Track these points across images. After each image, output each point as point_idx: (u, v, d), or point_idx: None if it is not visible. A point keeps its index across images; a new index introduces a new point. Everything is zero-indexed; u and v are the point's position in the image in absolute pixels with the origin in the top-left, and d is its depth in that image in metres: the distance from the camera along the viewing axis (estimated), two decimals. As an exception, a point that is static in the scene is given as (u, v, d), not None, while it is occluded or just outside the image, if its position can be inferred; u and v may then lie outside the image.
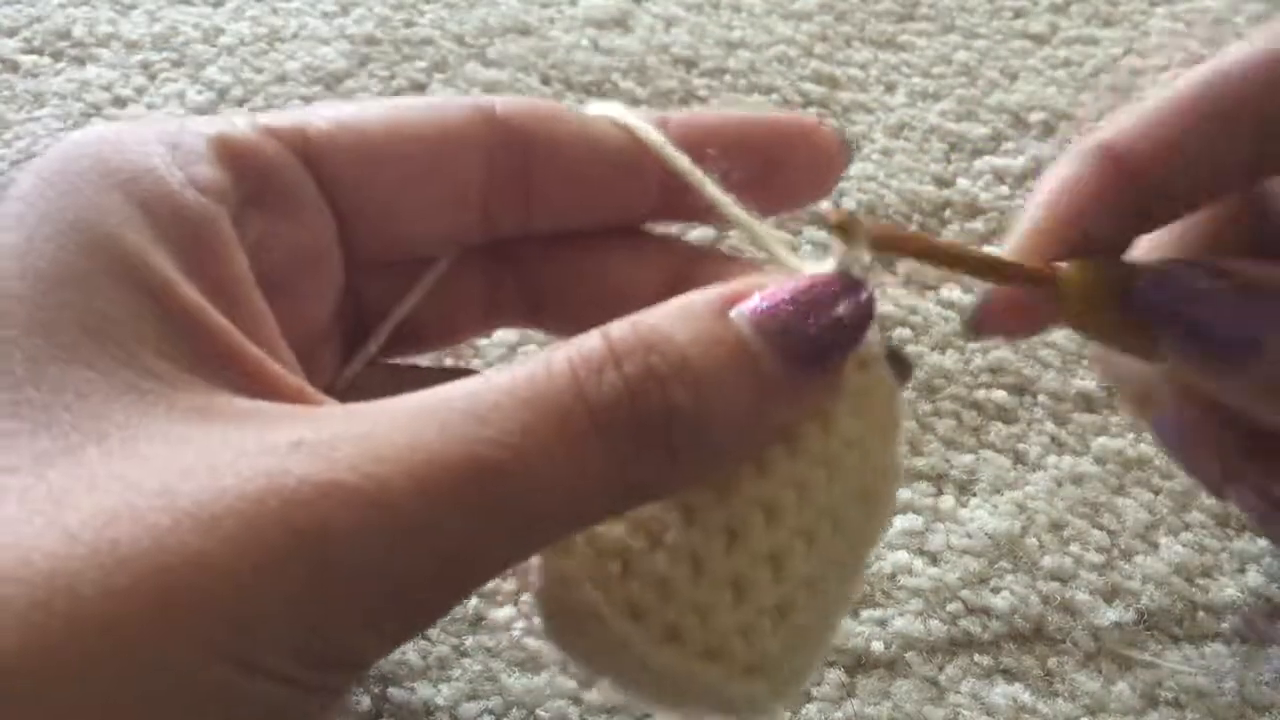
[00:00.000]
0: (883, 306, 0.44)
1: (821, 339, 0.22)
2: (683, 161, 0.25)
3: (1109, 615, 0.36)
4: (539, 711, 0.34)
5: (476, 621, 0.36)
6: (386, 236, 0.27)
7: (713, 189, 0.25)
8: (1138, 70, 0.54)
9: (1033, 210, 0.27)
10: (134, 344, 0.21)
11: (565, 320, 0.29)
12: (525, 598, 0.36)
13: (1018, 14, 0.56)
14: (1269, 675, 0.35)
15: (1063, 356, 0.42)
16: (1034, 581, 0.36)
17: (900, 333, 0.43)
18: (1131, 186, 0.26)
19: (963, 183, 0.48)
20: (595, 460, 0.20)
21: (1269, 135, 0.26)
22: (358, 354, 0.28)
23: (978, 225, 0.47)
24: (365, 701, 0.34)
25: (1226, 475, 0.28)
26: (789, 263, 0.24)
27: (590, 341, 0.21)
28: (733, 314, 0.21)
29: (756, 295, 0.22)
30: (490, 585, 0.37)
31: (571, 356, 0.20)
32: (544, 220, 0.28)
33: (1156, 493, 0.39)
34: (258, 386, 0.21)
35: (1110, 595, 0.36)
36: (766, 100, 0.51)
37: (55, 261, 0.21)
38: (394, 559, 0.19)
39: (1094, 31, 0.55)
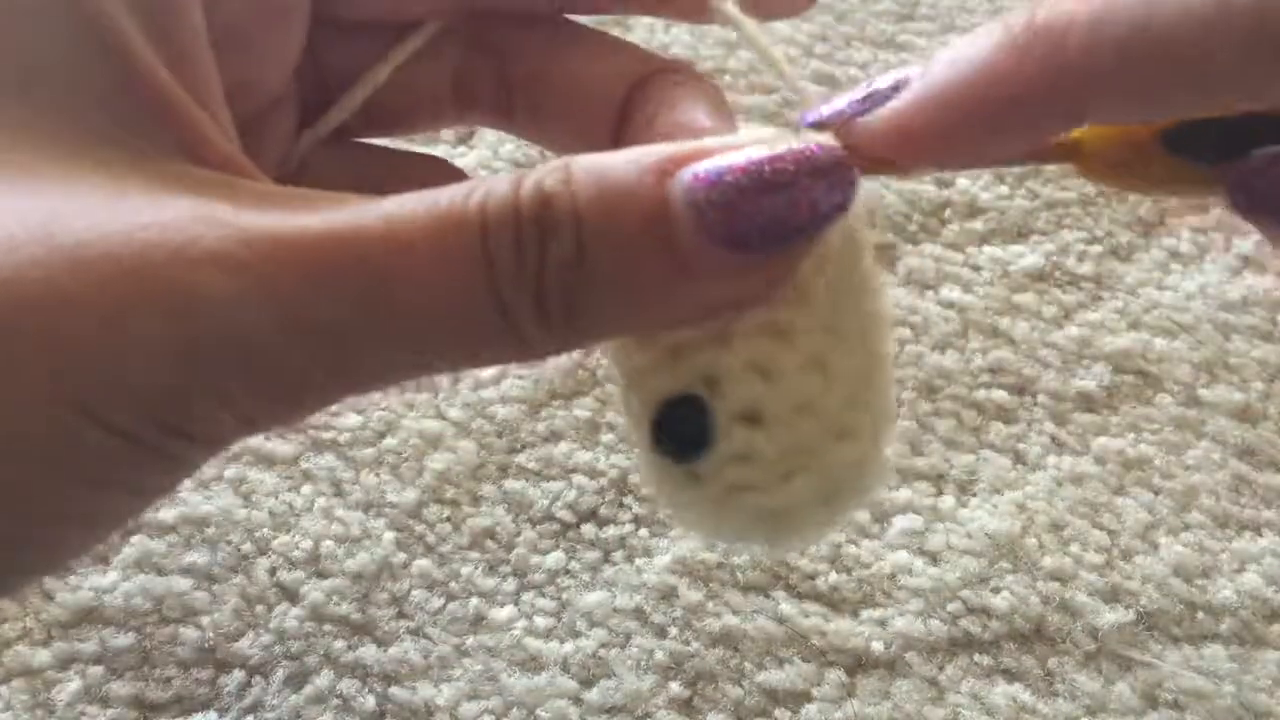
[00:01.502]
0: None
1: (766, 225, 0.19)
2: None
3: (1109, 616, 0.36)
4: (539, 711, 0.34)
5: (477, 621, 0.36)
6: None
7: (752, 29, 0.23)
8: None
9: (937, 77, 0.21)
10: (71, 89, 0.20)
11: (531, 119, 0.27)
12: (526, 597, 0.36)
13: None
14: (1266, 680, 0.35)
15: (1063, 356, 0.42)
16: (1034, 582, 0.36)
17: (900, 333, 0.43)
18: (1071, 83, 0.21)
19: (963, 183, 0.48)
20: (484, 312, 0.19)
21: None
22: (315, 125, 0.27)
23: (977, 225, 0.47)
24: (368, 701, 0.34)
25: None
26: (786, 73, 0.23)
27: (504, 182, 0.19)
28: (675, 175, 0.19)
29: (705, 160, 0.19)
30: (490, 585, 0.37)
31: (487, 194, 0.19)
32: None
33: (1156, 493, 0.39)
34: (189, 148, 0.21)
35: (1110, 596, 0.36)
36: (766, 101, 0.51)
37: None
38: (260, 333, 0.18)
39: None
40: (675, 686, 0.34)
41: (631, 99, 0.25)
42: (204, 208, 0.19)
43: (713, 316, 0.20)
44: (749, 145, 0.19)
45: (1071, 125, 0.21)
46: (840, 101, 0.21)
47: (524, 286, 0.19)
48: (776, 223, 0.19)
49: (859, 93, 0.21)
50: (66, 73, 0.20)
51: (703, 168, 0.19)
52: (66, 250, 0.18)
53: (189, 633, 0.35)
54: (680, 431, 0.22)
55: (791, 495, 0.22)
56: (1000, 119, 0.20)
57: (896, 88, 0.20)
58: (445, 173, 0.28)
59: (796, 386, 0.22)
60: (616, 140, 0.25)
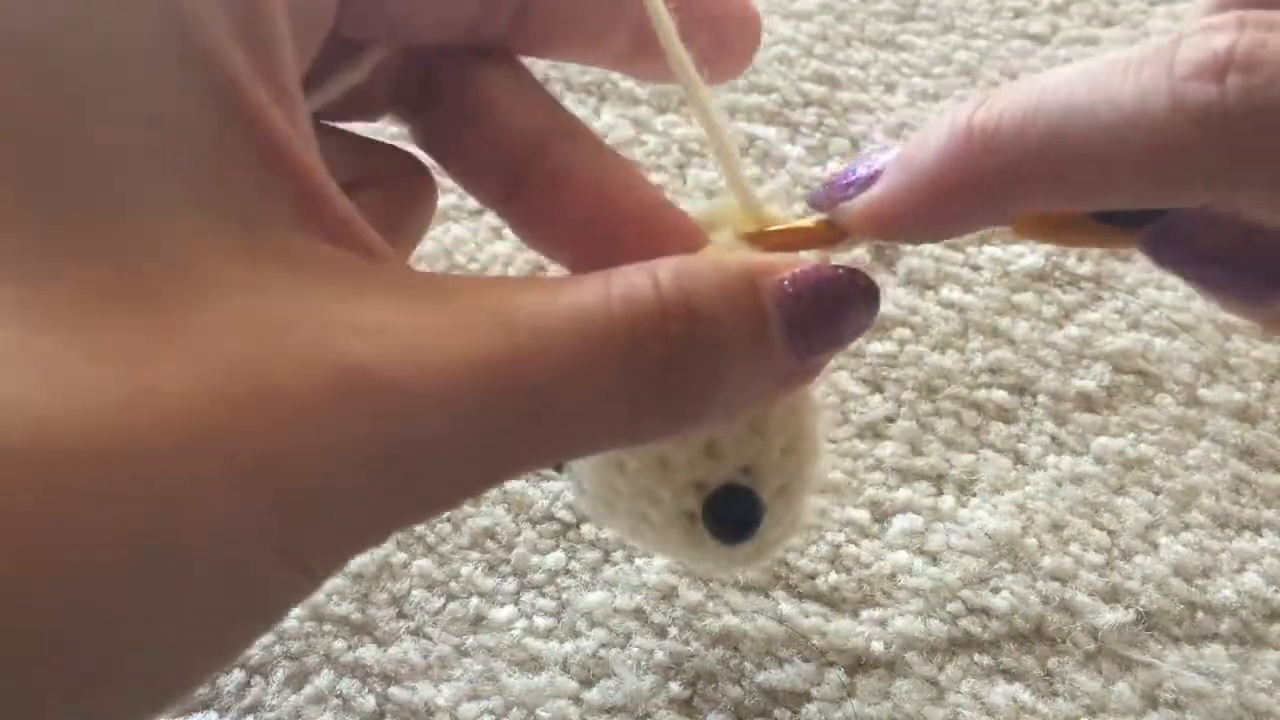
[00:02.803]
0: (882, 306, 0.44)
1: (828, 334, 0.23)
2: (673, 40, 0.24)
3: (1109, 616, 0.36)
4: (539, 711, 0.34)
5: (477, 621, 0.36)
6: (385, 12, 0.25)
7: (695, 78, 0.25)
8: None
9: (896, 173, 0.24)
10: (194, 153, 0.18)
11: (433, 128, 0.27)
12: (526, 597, 0.36)
13: (1018, 14, 0.56)
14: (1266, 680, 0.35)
15: (1063, 356, 0.42)
16: (1034, 582, 0.36)
17: (900, 332, 0.43)
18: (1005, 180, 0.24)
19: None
20: (618, 414, 0.21)
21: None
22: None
23: (978, 225, 0.47)
24: (368, 701, 0.34)
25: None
26: (744, 184, 0.26)
27: (642, 289, 0.21)
28: (762, 286, 0.22)
29: (786, 273, 0.22)
30: (490, 585, 0.37)
31: (628, 303, 0.21)
32: (527, 43, 0.26)
33: (1156, 493, 0.39)
34: (306, 213, 0.19)
35: (1110, 596, 0.36)
36: (766, 100, 0.51)
37: (96, 25, 0.17)
38: (448, 462, 0.19)
39: (1094, 31, 0.55)
40: (675, 686, 0.34)
41: (530, 153, 0.26)
42: (382, 342, 0.18)
43: (764, 406, 0.25)
44: (813, 261, 0.23)
45: (1014, 212, 0.23)
46: (831, 179, 0.25)
47: (659, 392, 0.21)
48: (835, 333, 0.23)
49: (844, 176, 0.24)
50: (189, 131, 0.18)
51: (787, 283, 0.22)
52: (263, 395, 0.17)
53: (189, 633, 0.35)
54: (735, 515, 0.26)
55: (788, 538, 0.29)
56: (953, 209, 0.23)
57: (872, 177, 0.24)
58: (408, 166, 0.28)
59: (806, 462, 0.27)
60: (511, 191, 0.26)
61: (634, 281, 0.21)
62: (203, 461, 0.16)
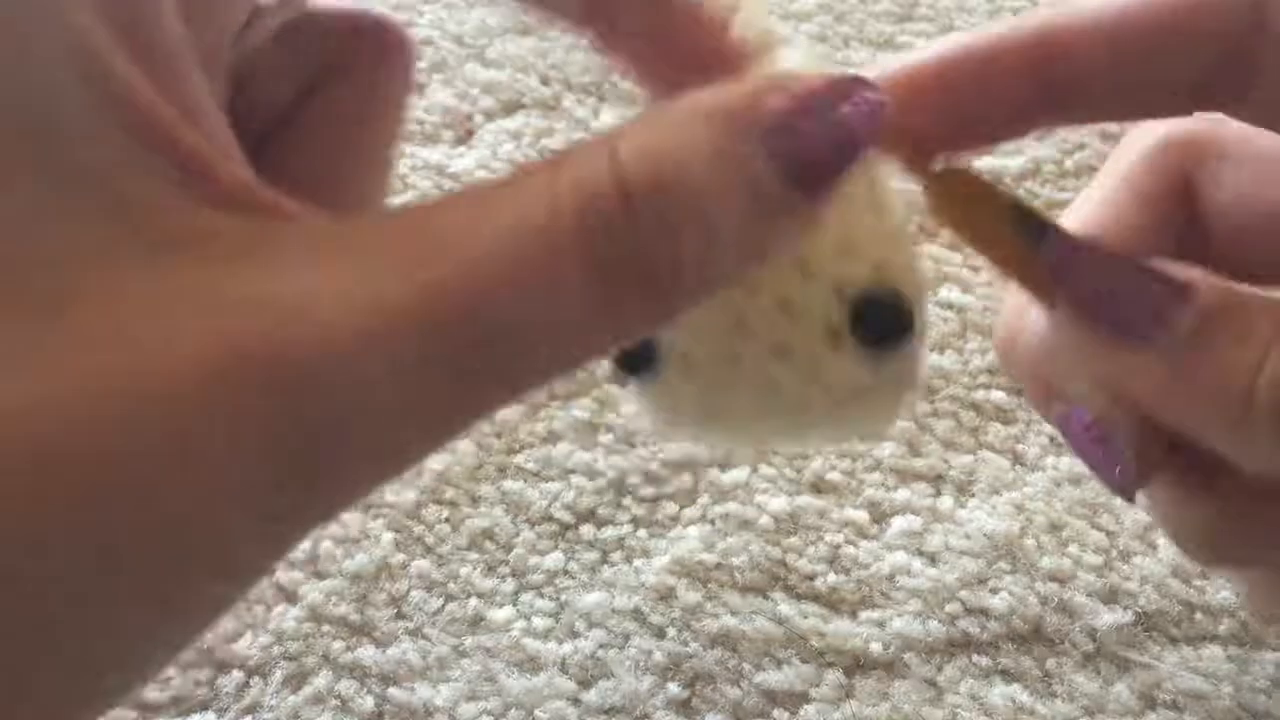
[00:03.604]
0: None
1: (839, 158, 0.20)
2: None
3: (1107, 616, 0.36)
4: (538, 712, 0.34)
5: (476, 622, 0.36)
6: None
7: None
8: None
9: (926, 54, 0.24)
10: (68, 138, 0.17)
11: None
12: (524, 598, 0.36)
13: (1016, 14, 0.56)
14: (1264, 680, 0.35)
15: (1061, 357, 0.42)
16: (1032, 582, 0.36)
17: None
18: (1059, 69, 0.23)
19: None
20: (589, 308, 0.18)
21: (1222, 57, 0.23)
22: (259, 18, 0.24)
23: (977, 226, 0.47)
24: (366, 701, 0.34)
25: (1142, 473, 0.25)
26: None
27: (598, 173, 0.18)
28: (746, 129, 0.19)
29: (772, 104, 0.19)
30: (488, 586, 0.37)
31: (579, 197, 0.18)
32: None
33: (1155, 494, 0.39)
34: (203, 186, 0.18)
35: (1108, 596, 0.36)
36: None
37: None
38: (367, 413, 0.17)
39: (1093, 32, 0.55)
40: (674, 687, 0.34)
41: None
42: (279, 317, 0.16)
43: (781, 249, 0.21)
44: (796, 82, 0.20)
45: (1053, 115, 0.23)
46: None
47: (637, 273, 0.18)
48: (833, 154, 0.20)
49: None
50: (62, 116, 0.17)
51: (775, 113, 0.19)
52: (144, 393, 0.15)
53: (187, 633, 0.35)
54: (885, 323, 0.24)
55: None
56: (993, 83, 0.23)
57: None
58: (385, 29, 0.26)
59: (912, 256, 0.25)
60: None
61: (587, 162, 0.18)
62: (39, 499, 0.15)
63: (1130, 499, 0.25)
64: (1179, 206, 0.26)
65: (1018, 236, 0.24)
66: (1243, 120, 0.25)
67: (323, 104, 0.25)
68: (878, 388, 0.24)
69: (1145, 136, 0.28)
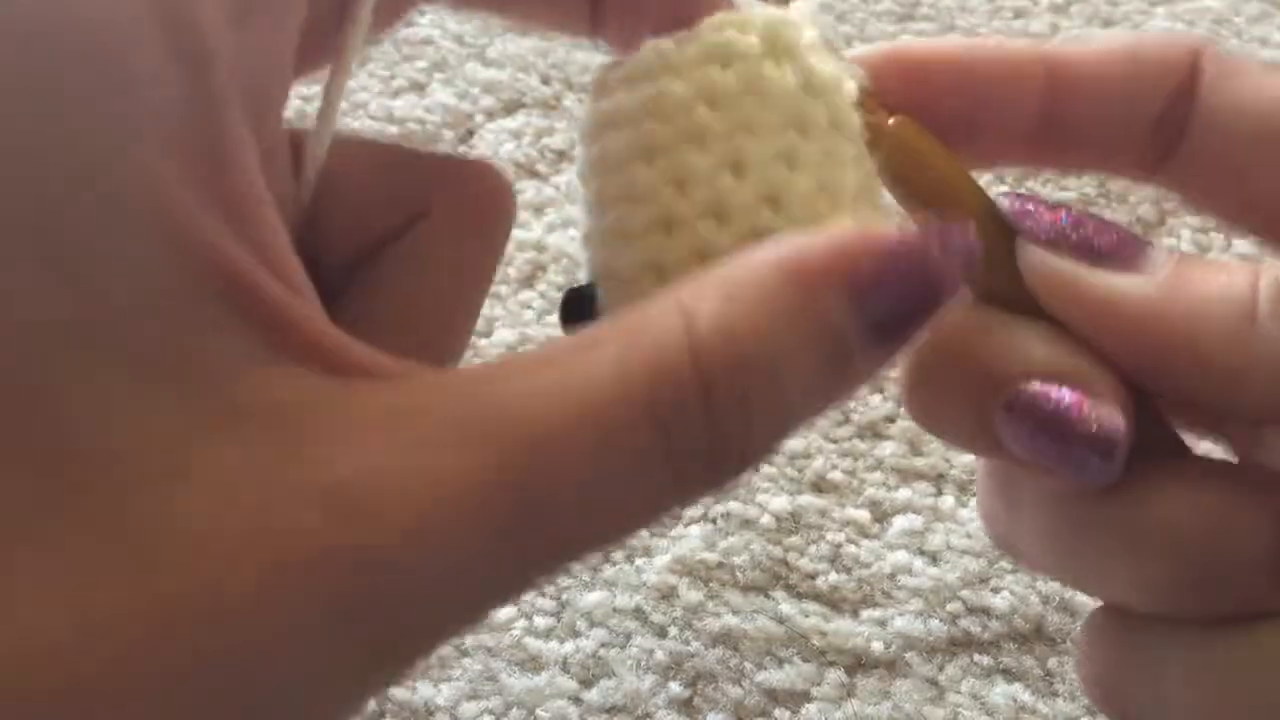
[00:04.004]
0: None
1: (913, 313, 0.18)
2: None
3: (1109, 615, 0.36)
4: (539, 711, 0.34)
5: (477, 621, 0.36)
6: None
7: None
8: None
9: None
10: (146, 311, 0.16)
11: None
12: (525, 597, 0.36)
13: (1018, 14, 0.56)
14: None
15: (1063, 356, 0.42)
16: (1034, 581, 0.36)
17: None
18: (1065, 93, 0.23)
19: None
20: (655, 488, 0.17)
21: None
22: (312, 144, 0.23)
23: (978, 225, 0.47)
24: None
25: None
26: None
27: (676, 355, 0.17)
28: (832, 290, 0.18)
29: (861, 264, 0.18)
30: (490, 585, 0.37)
31: (655, 383, 0.17)
32: None
33: (1156, 493, 0.39)
34: (286, 341, 0.17)
35: (1110, 595, 0.36)
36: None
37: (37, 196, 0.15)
38: (420, 618, 0.16)
39: (1094, 31, 0.55)
40: (675, 686, 0.34)
41: None
42: (337, 485, 0.16)
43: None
44: (887, 234, 0.18)
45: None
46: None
47: (707, 457, 0.18)
48: (918, 315, 0.19)
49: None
50: (148, 297, 0.16)
51: (864, 278, 0.18)
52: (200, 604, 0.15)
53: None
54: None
55: None
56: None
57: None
58: (486, 175, 0.25)
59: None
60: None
61: (662, 336, 0.17)
62: (132, 700, 0.14)
63: (1114, 472, 0.21)
64: (1176, 87, 0.23)
65: (976, 187, 0.22)
66: (1159, 185, 0.24)
67: (415, 245, 0.24)
68: None
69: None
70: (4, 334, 0.15)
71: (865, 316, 0.18)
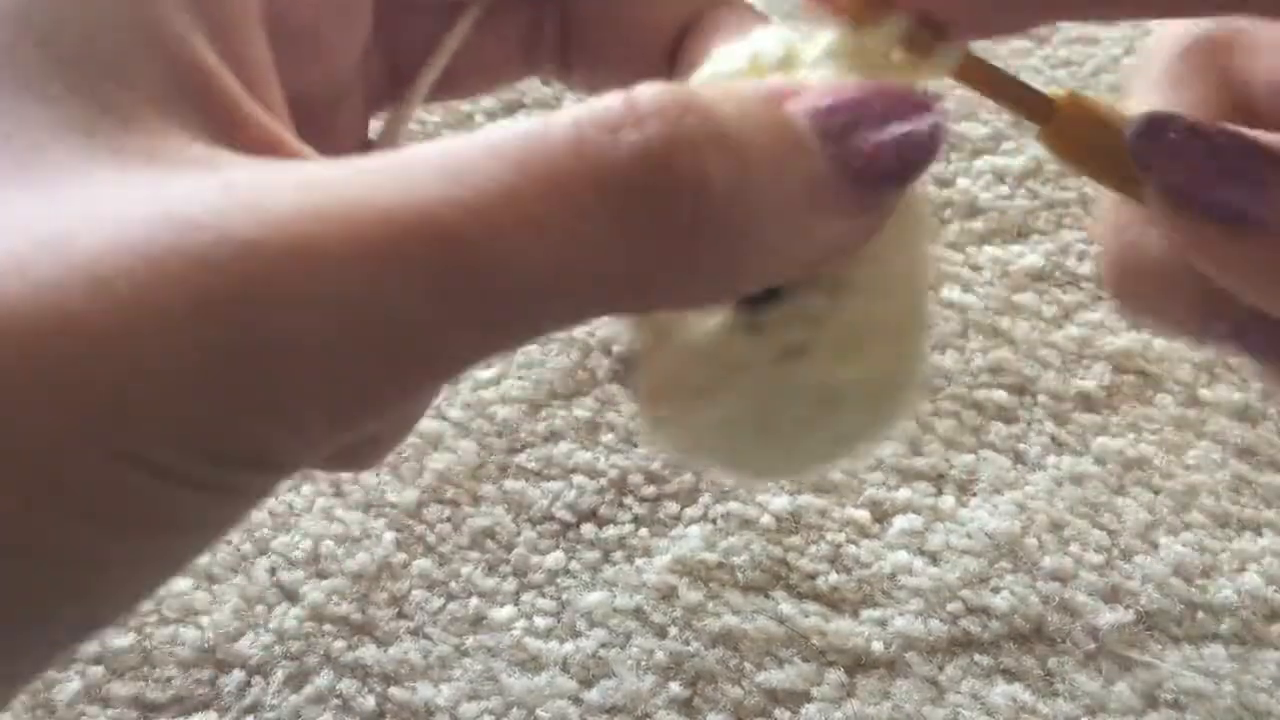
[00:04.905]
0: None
1: (883, 160, 0.18)
2: None
3: (1109, 615, 0.36)
4: (539, 711, 0.34)
5: (477, 621, 0.36)
6: None
7: None
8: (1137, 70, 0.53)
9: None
10: (96, 68, 0.17)
11: (588, 67, 0.26)
12: (525, 597, 0.36)
13: (1018, 13, 0.56)
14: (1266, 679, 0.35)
15: (1063, 356, 0.42)
16: (1034, 581, 0.36)
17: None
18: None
19: (963, 182, 0.48)
20: (596, 233, 0.16)
21: None
22: (395, 110, 0.24)
23: (977, 225, 0.47)
24: (368, 701, 0.34)
25: None
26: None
27: (606, 99, 0.16)
28: (788, 106, 0.17)
29: (816, 92, 0.18)
30: (490, 584, 0.37)
31: (579, 113, 0.16)
32: None
33: (1156, 493, 0.39)
34: (229, 131, 0.17)
35: (1110, 595, 0.36)
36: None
37: None
38: (323, 334, 0.15)
39: (1094, 31, 0.55)
40: (675, 686, 0.34)
41: (683, 40, 0.24)
42: (222, 185, 0.15)
43: (829, 260, 0.19)
44: (847, 82, 0.19)
45: None
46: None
47: (663, 222, 0.16)
48: (892, 158, 0.18)
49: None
50: (93, 45, 0.18)
51: (820, 98, 0.18)
52: (79, 267, 0.15)
53: (189, 633, 0.35)
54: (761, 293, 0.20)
55: (844, 375, 0.21)
56: None
57: None
58: None
59: (880, 271, 0.21)
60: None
61: (595, 99, 0.16)
62: None
63: None
64: (1220, 94, 0.23)
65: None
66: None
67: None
68: (760, 360, 0.21)
69: (1168, 44, 0.26)
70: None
71: (822, 125, 0.17)
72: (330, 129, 0.23)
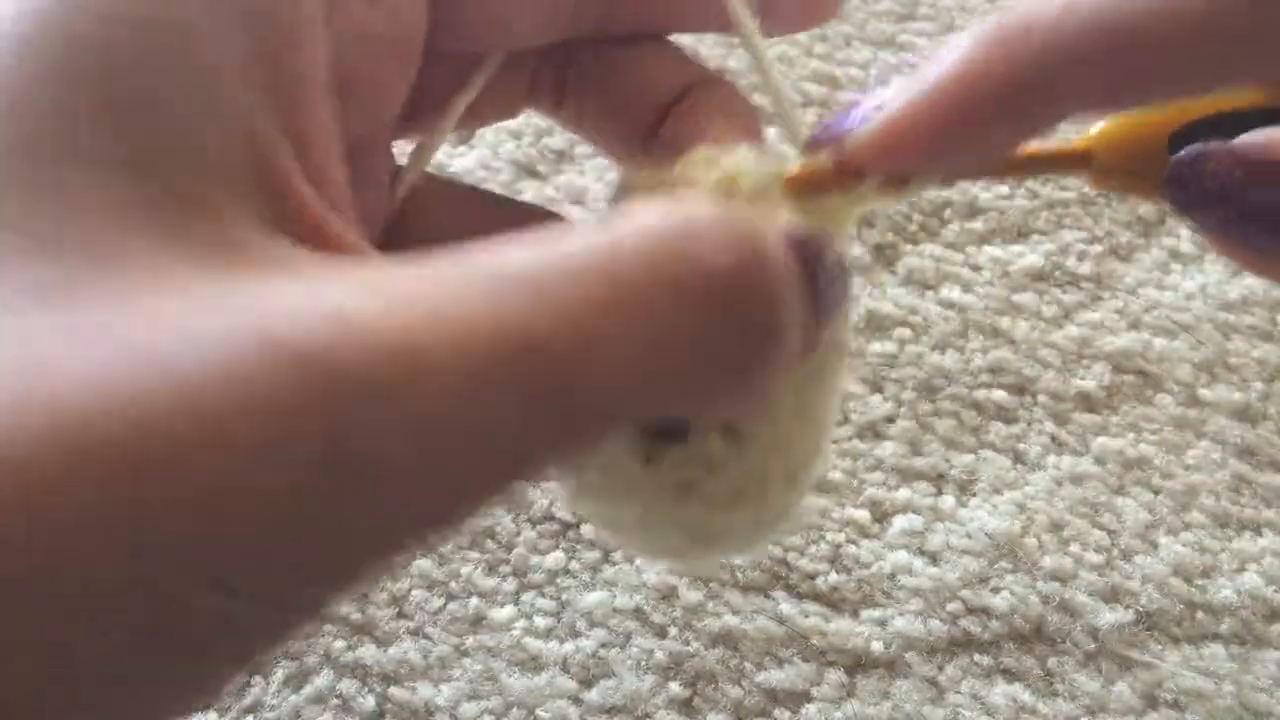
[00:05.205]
0: (882, 306, 0.44)
1: (833, 294, 0.20)
2: (742, 10, 0.24)
3: (1108, 615, 0.36)
4: (539, 711, 0.34)
5: (477, 621, 0.36)
6: (480, 23, 0.23)
7: (755, 35, 0.24)
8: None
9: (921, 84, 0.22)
10: (158, 147, 0.17)
11: (584, 119, 0.27)
12: (525, 597, 0.36)
13: (1018, 14, 0.56)
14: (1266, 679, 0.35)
15: (1063, 356, 0.42)
16: (1034, 581, 0.36)
17: (900, 332, 0.43)
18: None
19: (963, 182, 0.48)
20: (677, 344, 0.17)
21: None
22: (420, 150, 0.25)
23: (977, 225, 0.47)
24: (368, 701, 0.34)
25: None
26: (795, 122, 0.24)
27: (664, 216, 0.17)
28: (773, 238, 0.19)
29: (790, 230, 0.19)
30: (490, 585, 0.37)
31: (644, 228, 0.17)
32: (621, 24, 0.25)
33: (1156, 493, 0.39)
34: (284, 218, 0.18)
35: (1110, 595, 0.36)
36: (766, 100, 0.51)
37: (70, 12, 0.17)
38: (422, 454, 0.15)
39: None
40: (675, 686, 0.34)
41: (672, 106, 0.25)
42: (310, 292, 0.15)
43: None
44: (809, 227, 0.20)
45: (1051, 121, 0.21)
46: (833, 121, 0.22)
47: (723, 337, 0.17)
48: (837, 294, 0.20)
49: (849, 111, 0.22)
50: (156, 123, 0.17)
51: (788, 237, 0.19)
52: (180, 390, 0.14)
53: (189, 633, 0.35)
54: (665, 420, 0.22)
55: (731, 519, 0.23)
56: (979, 116, 0.20)
57: (880, 106, 0.21)
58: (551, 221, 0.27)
59: (778, 421, 0.22)
60: (650, 143, 0.25)
61: (651, 212, 0.17)
62: (88, 472, 0.14)
63: None
64: None
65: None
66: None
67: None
68: (656, 488, 0.23)
69: None
70: (49, 149, 0.17)
71: (803, 272, 0.19)
72: (366, 166, 0.22)
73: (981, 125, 0.20)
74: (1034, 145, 0.23)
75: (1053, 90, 0.20)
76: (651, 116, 0.25)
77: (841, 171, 0.21)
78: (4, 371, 0.14)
